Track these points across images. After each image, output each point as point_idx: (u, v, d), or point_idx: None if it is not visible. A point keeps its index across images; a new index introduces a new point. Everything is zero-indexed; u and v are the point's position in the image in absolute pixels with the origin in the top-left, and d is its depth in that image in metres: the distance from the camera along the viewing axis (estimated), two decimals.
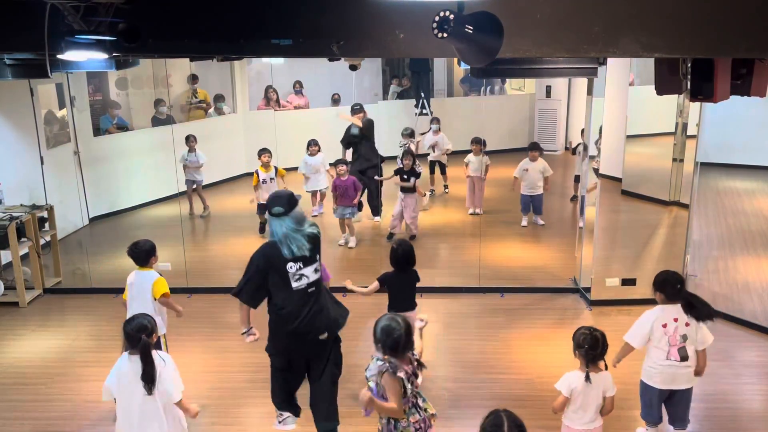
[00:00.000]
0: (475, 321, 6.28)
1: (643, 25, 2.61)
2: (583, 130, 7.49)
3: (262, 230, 8.23)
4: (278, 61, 11.29)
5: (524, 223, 8.76)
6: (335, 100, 12.50)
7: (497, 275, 7.12)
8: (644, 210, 6.82)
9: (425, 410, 3.54)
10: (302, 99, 12.29)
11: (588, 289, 6.53)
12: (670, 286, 4.11)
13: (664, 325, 4.09)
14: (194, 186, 9.40)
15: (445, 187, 10.23)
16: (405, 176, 8.12)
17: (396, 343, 3.34)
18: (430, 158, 9.96)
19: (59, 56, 3.31)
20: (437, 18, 2.22)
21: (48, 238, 7.27)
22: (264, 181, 8.20)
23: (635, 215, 6.70)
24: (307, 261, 4.00)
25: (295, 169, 8.93)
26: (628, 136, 6.48)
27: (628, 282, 6.42)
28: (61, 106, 8.71)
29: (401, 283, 4.89)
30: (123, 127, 10.17)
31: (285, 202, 4.00)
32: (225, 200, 10.15)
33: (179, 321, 5.07)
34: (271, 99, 11.73)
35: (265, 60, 10.89)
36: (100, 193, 9.31)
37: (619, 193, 6.57)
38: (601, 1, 2.63)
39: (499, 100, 13.96)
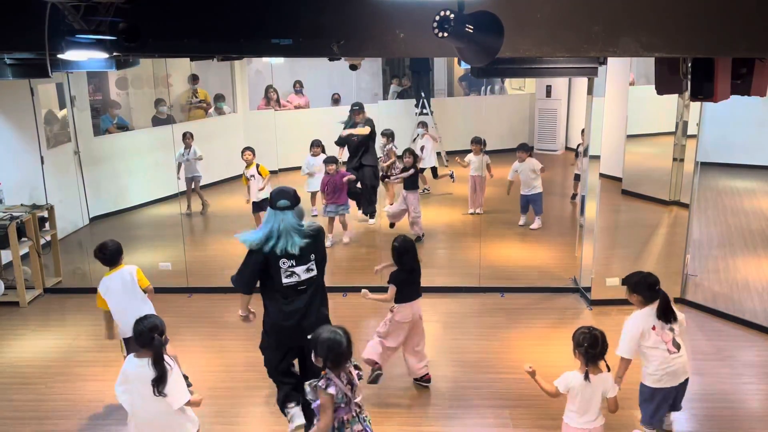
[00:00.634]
0: (476, 321, 6.28)
1: (643, 24, 2.61)
2: (583, 130, 7.50)
3: None
4: (278, 61, 11.29)
5: (521, 222, 8.77)
6: (335, 100, 12.50)
7: (497, 275, 7.12)
8: (644, 209, 6.83)
9: (365, 419, 3.57)
10: (302, 99, 12.29)
11: (588, 289, 6.53)
12: (645, 289, 4.17)
13: (654, 328, 4.14)
14: (192, 184, 9.43)
15: (426, 189, 10.20)
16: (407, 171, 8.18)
17: (339, 356, 3.37)
18: (421, 165, 9.92)
19: (60, 56, 3.31)
20: (438, 17, 2.22)
21: (48, 238, 7.27)
22: (251, 177, 8.28)
23: (635, 215, 6.71)
24: (300, 260, 4.02)
25: (296, 169, 8.93)
26: (629, 136, 6.49)
27: None
28: (62, 105, 8.71)
29: (409, 278, 4.90)
30: (123, 127, 10.18)
31: (291, 197, 4.05)
32: (225, 200, 10.15)
33: (179, 321, 5.08)
34: (271, 99, 11.73)
35: (265, 60, 10.89)
36: (101, 192, 9.31)
37: (620, 192, 6.59)
38: (602, 0, 2.63)
39: (499, 99, 13.97)
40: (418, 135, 9.99)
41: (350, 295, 6.68)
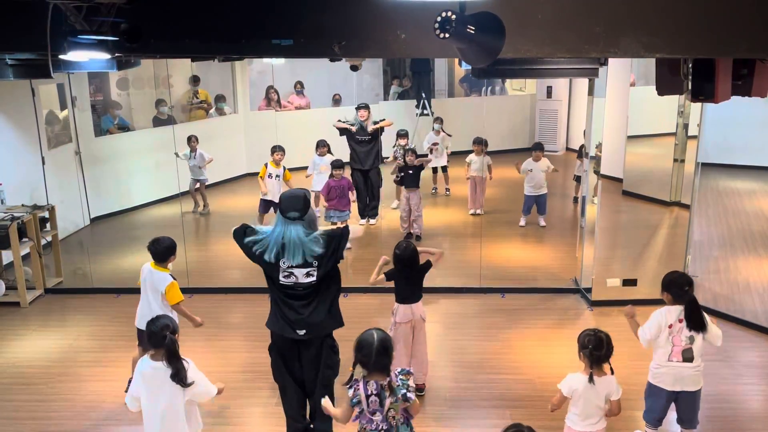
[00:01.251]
0: (476, 321, 6.28)
1: (644, 25, 2.61)
2: (585, 131, 7.50)
3: None
4: (279, 62, 11.29)
5: (522, 222, 8.76)
6: (336, 101, 12.50)
7: (498, 275, 7.12)
8: (645, 210, 6.83)
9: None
10: (303, 99, 12.30)
11: (589, 290, 6.53)
12: (677, 287, 4.12)
13: (670, 326, 4.10)
14: (197, 185, 9.47)
15: (447, 189, 10.23)
16: (410, 171, 8.17)
17: (367, 357, 3.28)
18: (431, 165, 9.94)
19: (61, 56, 3.31)
20: (439, 18, 2.22)
21: (49, 238, 7.27)
22: (270, 176, 8.26)
23: (636, 215, 6.71)
24: (301, 264, 3.89)
25: (297, 170, 8.92)
26: (629, 137, 6.49)
27: (629, 282, 6.42)
28: (63, 106, 8.71)
29: (407, 276, 4.89)
30: (124, 128, 10.19)
31: (302, 206, 3.87)
32: (226, 200, 10.16)
33: (180, 321, 5.06)
34: (272, 99, 11.74)
35: (266, 60, 10.89)
36: (101, 193, 9.32)
37: (620, 193, 6.58)
38: (602, 1, 2.63)
39: (500, 100, 13.97)
40: (433, 129, 9.98)
41: (351, 295, 6.68)
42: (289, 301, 3.98)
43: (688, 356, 4.09)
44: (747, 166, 8.59)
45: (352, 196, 8.15)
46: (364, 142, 8.67)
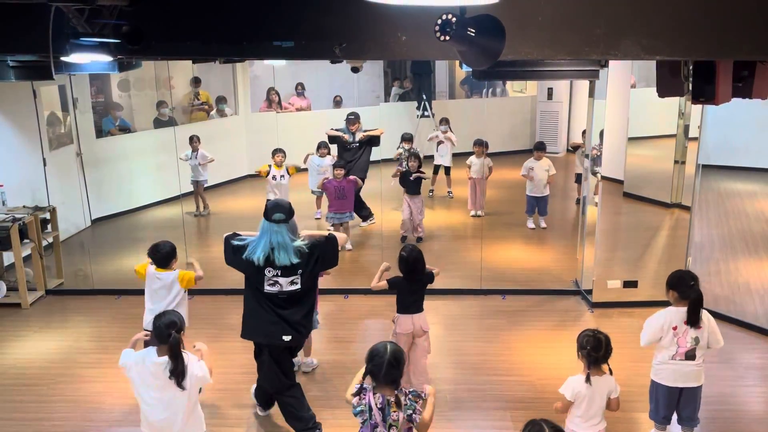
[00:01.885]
0: (477, 323, 6.28)
1: (644, 27, 2.62)
2: (584, 132, 7.50)
3: None
4: (280, 63, 11.29)
5: (530, 225, 8.75)
6: (337, 102, 12.51)
7: (499, 277, 7.12)
8: (646, 212, 6.82)
9: None
10: (304, 101, 12.31)
11: (590, 291, 6.53)
12: (683, 285, 4.10)
13: (675, 328, 4.09)
14: (197, 186, 9.49)
15: (449, 192, 10.21)
16: (411, 177, 8.17)
17: (377, 368, 3.26)
18: (435, 162, 9.95)
19: (63, 58, 3.32)
20: (439, 21, 2.22)
21: (50, 240, 7.28)
22: (274, 178, 8.28)
23: (637, 217, 6.70)
24: (286, 271, 4.03)
25: (298, 171, 8.94)
26: (630, 138, 6.48)
27: (629, 284, 6.42)
28: (64, 107, 8.72)
29: (410, 287, 4.87)
30: (125, 129, 10.19)
31: (286, 211, 4.07)
32: (227, 202, 10.17)
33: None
34: (273, 101, 11.75)
35: (267, 62, 10.90)
36: (103, 194, 9.32)
37: (621, 195, 6.57)
38: (603, 3, 2.64)
39: (500, 102, 13.97)
40: (438, 131, 9.97)
41: (351, 297, 6.68)
42: (272, 310, 4.10)
43: (690, 355, 4.11)
44: (748, 167, 8.58)
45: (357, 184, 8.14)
46: (352, 150, 8.71)
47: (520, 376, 5.30)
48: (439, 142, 9.81)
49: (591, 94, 6.51)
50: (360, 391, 3.32)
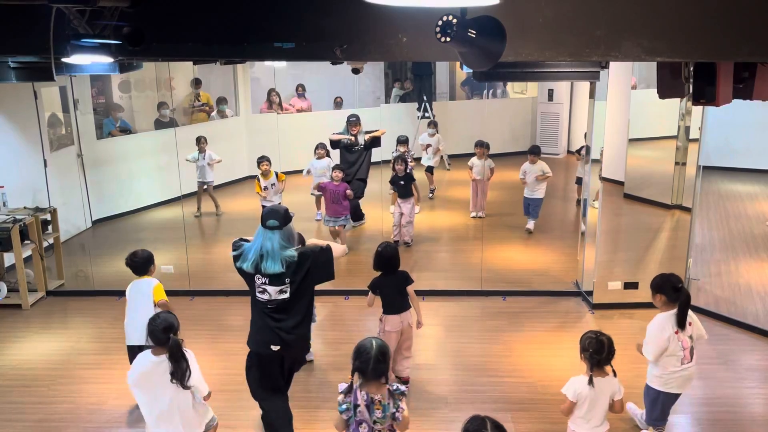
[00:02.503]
0: (477, 324, 6.28)
1: (645, 29, 2.61)
2: (586, 134, 7.50)
3: None
4: (281, 65, 11.32)
5: (530, 226, 8.74)
6: (338, 103, 12.52)
7: (499, 278, 7.12)
8: (646, 213, 6.82)
9: None
10: (305, 102, 12.32)
11: (590, 293, 6.53)
12: (670, 287, 4.12)
13: (676, 332, 4.10)
14: (205, 187, 9.49)
15: (432, 191, 10.21)
16: (401, 181, 8.12)
17: (365, 364, 3.28)
18: (423, 161, 10.01)
19: (64, 59, 3.32)
20: (440, 22, 2.22)
21: (51, 241, 7.28)
22: (266, 188, 8.31)
23: (637, 218, 6.71)
24: (274, 279, 3.99)
25: (298, 172, 8.94)
26: (630, 140, 6.49)
27: (630, 285, 6.42)
28: (65, 109, 8.73)
29: (391, 285, 4.96)
30: (126, 130, 10.20)
31: (281, 217, 4.02)
32: (228, 202, 10.17)
33: (181, 323, 5.06)
34: (273, 102, 11.76)
35: (268, 63, 10.92)
36: (103, 195, 9.33)
37: (621, 196, 6.57)
38: (604, 4, 2.64)
39: (501, 103, 13.98)
40: (426, 134, 10.01)
41: (352, 297, 6.69)
42: (264, 318, 4.09)
43: (692, 354, 4.15)
44: (748, 169, 8.60)
45: (350, 193, 8.12)
46: (357, 152, 8.69)
47: (521, 377, 5.30)
48: (428, 145, 9.87)
49: (592, 95, 6.51)
50: (349, 390, 3.34)
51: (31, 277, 7.00)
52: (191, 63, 8.67)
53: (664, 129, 6.73)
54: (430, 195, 10.20)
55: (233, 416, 4.82)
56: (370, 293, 5.03)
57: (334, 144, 8.78)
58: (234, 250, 4.12)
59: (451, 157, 11.21)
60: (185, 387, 3.58)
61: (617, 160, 6.52)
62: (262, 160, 8.30)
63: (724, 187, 8.68)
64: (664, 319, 4.14)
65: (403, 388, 3.40)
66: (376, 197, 8.58)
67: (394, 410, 3.32)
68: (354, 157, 8.69)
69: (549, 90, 12.96)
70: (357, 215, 8.81)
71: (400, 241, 8.12)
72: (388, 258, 4.93)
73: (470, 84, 13.95)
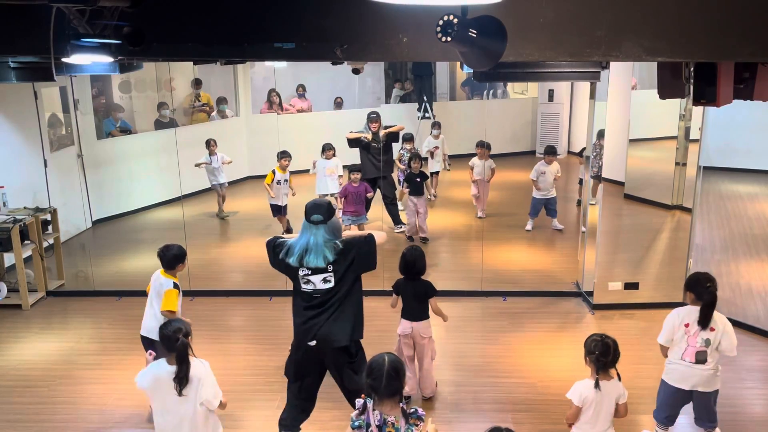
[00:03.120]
0: (478, 324, 6.28)
1: (645, 29, 2.61)
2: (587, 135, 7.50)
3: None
4: (281, 65, 11.31)
5: (529, 227, 8.73)
6: (338, 104, 12.52)
7: (500, 279, 7.12)
8: (647, 214, 6.82)
9: None
10: (305, 102, 12.31)
11: (591, 293, 6.52)
12: (700, 286, 4.13)
13: (687, 325, 4.11)
14: (221, 189, 9.47)
15: (434, 195, 10.14)
16: (417, 179, 8.17)
17: (377, 381, 3.10)
18: (431, 167, 9.93)
19: (64, 59, 3.32)
20: (441, 22, 2.22)
21: (51, 241, 7.28)
22: (278, 182, 8.29)
23: (638, 219, 6.70)
24: (316, 270, 4.00)
25: (299, 172, 8.93)
26: (631, 140, 6.48)
27: (630, 286, 6.41)
28: (65, 109, 8.73)
29: (410, 291, 4.90)
30: (126, 131, 10.20)
31: (325, 211, 4.02)
32: (228, 203, 10.15)
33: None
34: (273, 102, 11.75)
35: (268, 63, 10.91)
36: (103, 195, 9.33)
37: (622, 196, 6.57)
38: (604, 5, 2.63)
39: (501, 103, 13.97)
40: (431, 134, 9.94)
41: (368, 298, 6.67)
42: (305, 311, 4.06)
43: (701, 358, 4.09)
44: (749, 169, 8.56)
45: (370, 194, 8.12)
46: (378, 149, 8.62)
47: (522, 378, 5.29)
48: (435, 147, 9.84)
49: (592, 95, 6.51)
50: (363, 408, 3.20)
51: (32, 278, 7.00)
52: (191, 63, 8.67)
53: (665, 129, 6.73)
54: (431, 198, 10.18)
55: (234, 417, 4.81)
56: (393, 294, 4.97)
57: (352, 143, 8.68)
58: (275, 247, 4.09)
59: (451, 157, 11.18)
60: (179, 393, 3.55)
61: (618, 160, 6.52)
62: (284, 155, 8.30)
63: (725, 187, 8.65)
64: (683, 310, 4.16)
65: (421, 411, 3.13)
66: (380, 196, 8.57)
67: None
68: (376, 154, 8.54)
69: (549, 90, 12.96)
70: (397, 220, 8.68)
71: (417, 237, 8.18)
72: (408, 262, 4.85)
73: (471, 84, 13.95)
